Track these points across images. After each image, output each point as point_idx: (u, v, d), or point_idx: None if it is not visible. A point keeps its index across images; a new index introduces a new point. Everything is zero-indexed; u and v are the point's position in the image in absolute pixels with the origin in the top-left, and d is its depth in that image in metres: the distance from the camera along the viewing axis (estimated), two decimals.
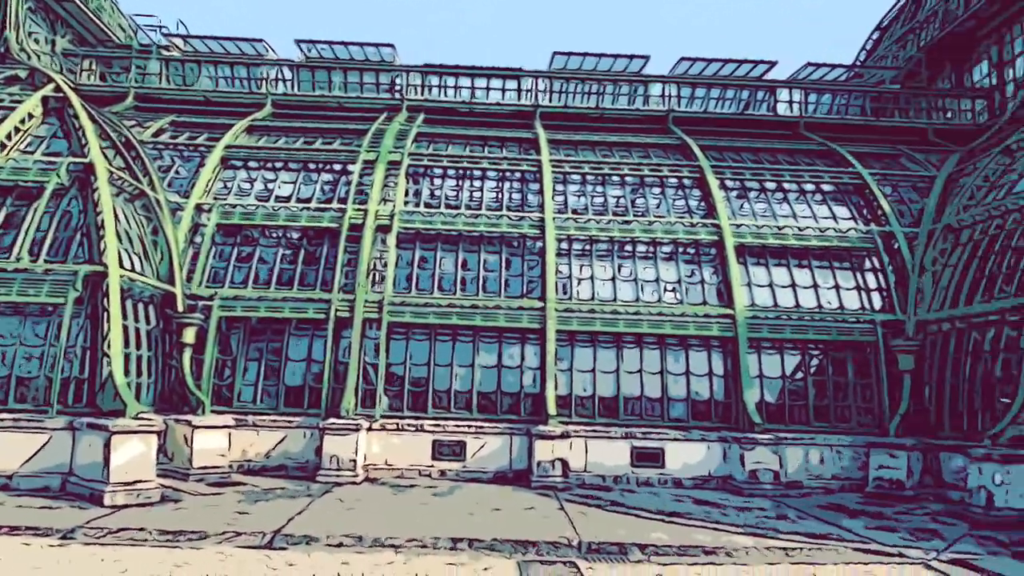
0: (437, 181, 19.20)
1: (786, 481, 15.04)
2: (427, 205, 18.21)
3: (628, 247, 17.73)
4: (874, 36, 26.90)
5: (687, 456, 15.35)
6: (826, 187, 19.15)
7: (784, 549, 9.77)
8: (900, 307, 16.75)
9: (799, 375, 16.51)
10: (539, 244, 17.47)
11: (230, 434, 14.79)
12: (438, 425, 15.65)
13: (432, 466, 15.45)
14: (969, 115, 21.44)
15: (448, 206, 18.32)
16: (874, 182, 18.85)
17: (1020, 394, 12.34)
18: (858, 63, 26.31)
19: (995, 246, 15.33)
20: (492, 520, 11.12)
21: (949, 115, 21.72)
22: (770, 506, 13.14)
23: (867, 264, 17.62)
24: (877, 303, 16.99)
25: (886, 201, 18.35)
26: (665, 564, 9.07)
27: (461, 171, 19.20)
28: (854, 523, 11.67)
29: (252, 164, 19.08)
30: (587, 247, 17.70)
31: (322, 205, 17.75)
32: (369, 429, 15.33)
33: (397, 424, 15.59)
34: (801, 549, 9.79)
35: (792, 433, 15.57)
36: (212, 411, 14.84)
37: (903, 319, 16.47)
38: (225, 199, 17.83)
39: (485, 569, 8.65)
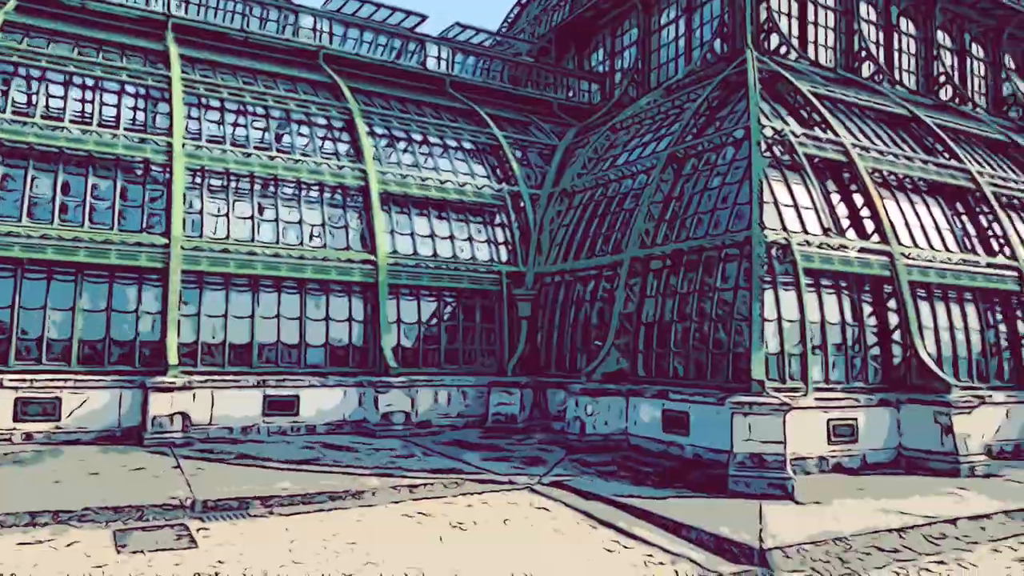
0: (35, 84, 15.42)
1: (417, 421, 15.47)
2: (17, 113, 14.52)
3: (271, 186, 16.33)
4: (515, 10, 28.70)
5: (323, 403, 14.85)
6: (467, 144, 19.90)
7: (410, 486, 9.87)
8: (523, 260, 18.24)
9: (434, 321, 17.04)
10: (166, 174, 15.13)
11: None
12: (23, 380, 12.77)
13: (14, 429, 12.57)
14: (587, 95, 24.11)
15: (48, 117, 14.85)
16: (508, 145, 20.12)
17: (609, 338, 14.25)
18: (501, 32, 27.85)
19: (599, 210, 17.47)
20: (87, 486, 9.32)
21: (572, 93, 24.17)
22: (400, 446, 13.34)
23: (497, 219, 18.81)
24: (504, 256, 18.26)
25: (516, 163, 19.73)
26: (289, 515, 8.47)
27: (67, 77, 15.67)
28: (474, 456, 12.38)
29: None
30: (224, 182, 15.84)
31: None
32: None
33: None
34: (425, 485, 9.99)
35: (425, 376, 16.04)
36: None
37: (524, 271, 17.98)
38: None
39: (70, 545, 7.12)
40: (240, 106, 17.30)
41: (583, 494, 9.71)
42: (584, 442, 13.29)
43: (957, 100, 22.21)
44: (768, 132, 13.63)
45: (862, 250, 13.04)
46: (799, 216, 13.09)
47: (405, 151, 18.56)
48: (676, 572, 6.74)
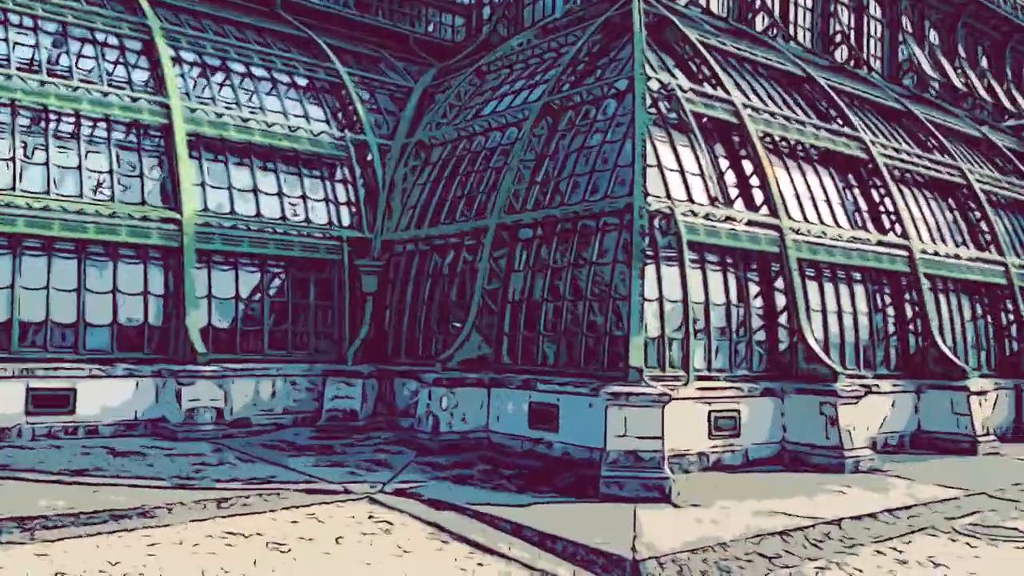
0: None
1: (231, 419, 14.73)
2: None
3: (42, 121, 14.84)
4: None
5: (108, 397, 13.78)
6: (300, 80, 19.04)
7: (218, 500, 9.33)
8: (368, 225, 17.77)
9: (256, 296, 16.27)
10: None
11: None
12: None
13: None
14: (450, 31, 23.79)
15: None
16: (352, 84, 19.46)
17: (470, 319, 14.19)
18: None
19: (461, 168, 17.29)
20: None
21: (432, 27, 23.78)
22: (209, 450, 12.64)
23: (339, 174, 18.19)
24: (346, 218, 17.70)
25: (363, 107, 19.13)
26: (56, 540, 7.74)
27: None
28: (302, 461, 11.95)
29: None
30: None
31: None
32: None
33: None
34: (238, 498, 9.49)
35: (243, 364, 15.29)
36: None
37: (370, 237, 17.54)
38: None
39: None
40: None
41: (434, 504, 9.60)
42: (438, 441, 13.18)
43: (853, 63, 23.90)
44: (654, 85, 13.97)
45: (750, 223, 13.71)
46: (685, 183, 13.55)
47: (222, 84, 17.49)
48: None
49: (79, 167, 14.88)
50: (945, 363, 15.52)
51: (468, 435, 13.50)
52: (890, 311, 16.17)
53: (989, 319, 18.44)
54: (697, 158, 13.90)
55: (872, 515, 9.62)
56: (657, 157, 13.34)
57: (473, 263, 15.01)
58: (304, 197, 17.35)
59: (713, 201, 13.61)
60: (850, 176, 17.09)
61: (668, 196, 12.95)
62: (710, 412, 12.32)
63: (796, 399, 13.05)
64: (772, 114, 15.80)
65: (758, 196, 14.39)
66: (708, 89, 14.94)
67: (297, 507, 9.30)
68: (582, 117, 14.91)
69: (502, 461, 12.42)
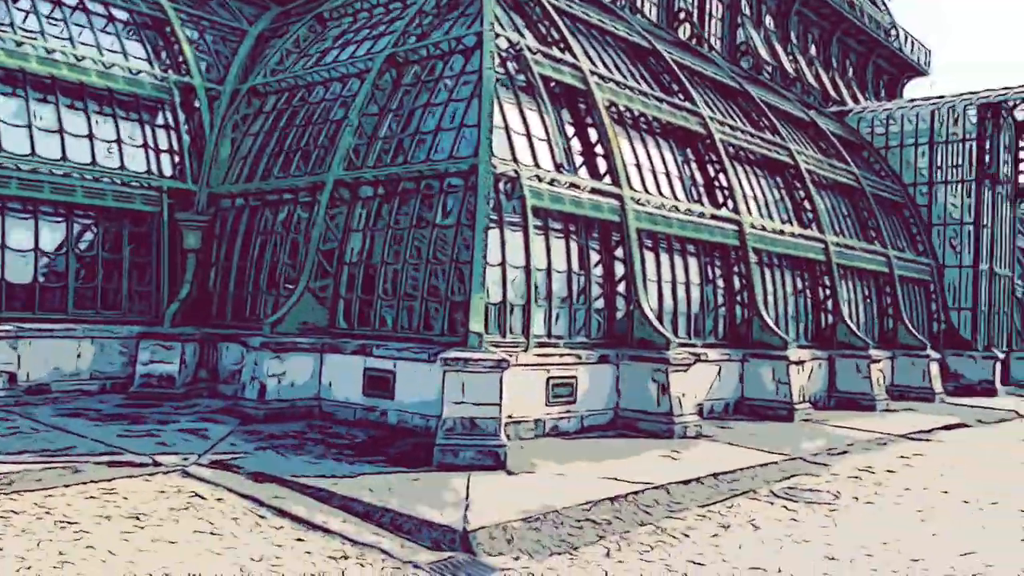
0: None
1: (28, 386, 13.34)
2: None
3: None
4: None
5: None
6: (119, 13, 17.31)
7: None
8: (193, 176, 16.51)
9: (62, 249, 14.73)
10: None
11: None
12: None
13: None
14: None
15: None
16: (178, 21, 17.92)
17: (303, 280, 13.46)
18: None
19: (298, 119, 16.36)
20: None
21: None
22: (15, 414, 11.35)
23: (160, 119, 16.75)
24: (168, 168, 16.35)
25: (190, 47, 17.68)
26: None
27: None
28: (108, 431, 10.92)
29: None
30: None
31: None
32: None
33: None
34: (27, 472, 8.50)
35: (42, 324, 13.84)
36: None
37: (195, 190, 16.30)
38: None
39: None
40: None
41: (255, 476, 8.99)
42: (264, 409, 12.45)
43: (695, 40, 24.61)
44: (503, 44, 13.67)
45: (594, 191, 13.75)
46: (531, 147, 13.38)
47: (27, 13, 15.54)
48: (362, 567, 6.40)
49: None
50: (768, 334, 16.35)
51: (298, 403, 12.86)
52: (720, 283, 16.83)
53: (808, 293, 19.63)
54: (544, 122, 13.76)
55: (699, 480, 9.91)
56: (504, 119, 13.07)
57: (308, 221, 14.25)
58: (119, 142, 15.84)
59: (559, 167, 13.53)
60: (688, 150, 17.57)
61: (514, 159, 12.74)
62: (548, 379, 12.31)
63: (631, 366, 13.30)
64: (618, 83, 15.92)
65: (602, 165, 14.46)
66: (557, 53, 14.81)
67: (96, 482, 8.43)
68: (428, 72, 14.41)
69: (334, 430, 11.90)
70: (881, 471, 11.30)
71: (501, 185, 12.26)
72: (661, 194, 15.71)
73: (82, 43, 16.14)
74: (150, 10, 17.72)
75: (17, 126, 14.51)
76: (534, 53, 14.14)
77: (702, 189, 17.26)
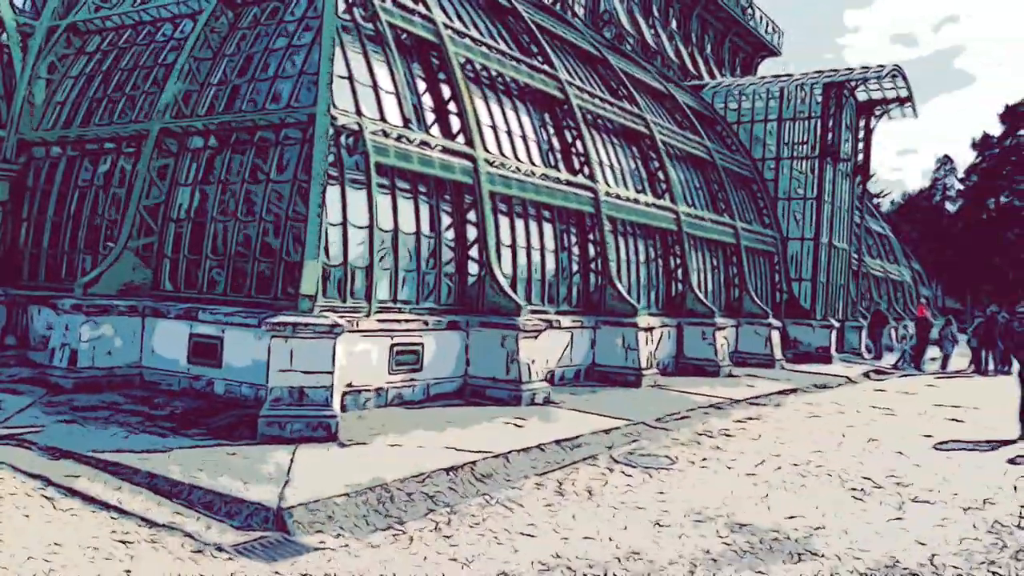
0: None
1: None
2: None
3: None
4: None
5: None
6: None
7: None
8: (2, 121, 14.80)
9: None
10: None
11: None
12: None
13: None
14: None
15: None
16: None
17: (122, 237, 12.29)
18: None
19: (124, 62, 14.93)
20: None
21: None
22: None
23: None
24: None
25: None
26: None
27: None
28: None
29: None
30: None
31: None
32: None
33: None
34: None
35: None
36: None
37: (2, 136, 14.61)
38: None
39: None
40: None
41: (50, 451, 8.05)
42: (75, 378, 11.30)
43: (558, 5, 24.33)
44: None
45: (445, 150, 13.23)
46: (378, 100, 12.68)
47: None
48: (155, 551, 5.73)
49: None
50: (620, 302, 16.43)
51: (115, 371, 11.77)
52: (575, 250, 16.75)
53: (660, 262, 19.93)
54: (392, 75, 13.06)
55: (540, 447, 9.69)
56: (348, 69, 12.30)
57: (132, 173, 13.01)
58: None
59: (407, 123, 12.89)
60: (546, 114, 17.32)
61: (359, 112, 12.02)
62: (392, 345, 11.78)
63: (480, 332, 12.96)
64: (475, 40, 15.39)
65: (455, 124, 13.95)
66: (409, 3, 14.10)
67: None
68: (268, 15, 13.39)
69: (156, 401, 10.95)
70: (719, 435, 11.49)
71: (343, 139, 11.53)
72: (517, 158, 15.38)
73: None
74: None
75: None
76: (384, 0, 13.38)
77: (559, 155, 17.06)
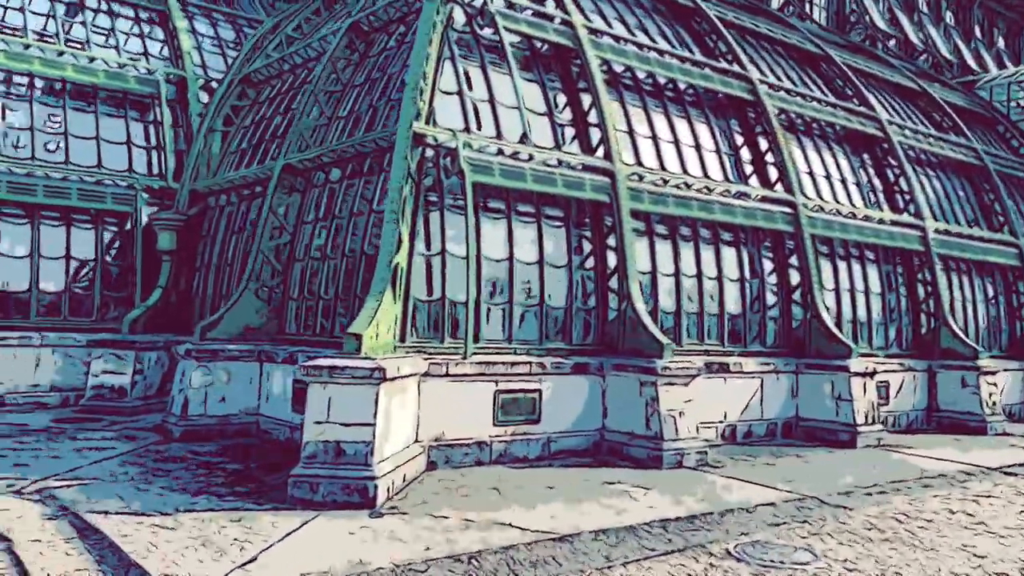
0: None
1: None
2: None
3: None
4: None
5: None
6: (123, 9, 16.72)
7: None
8: (175, 172, 15.55)
9: (21, 252, 14.02)
10: None
11: None
12: None
13: None
14: None
15: None
16: (180, 14, 17.15)
17: (244, 279, 12.00)
18: None
19: (282, 105, 15.03)
20: None
21: None
22: None
23: (149, 115, 15.92)
24: (144, 166, 15.46)
25: (189, 39, 16.83)
26: None
27: None
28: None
29: None
30: None
31: None
32: None
33: None
34: None
35: None
36: None
37: (174, 188, 15.30)
38: None
39: None
40: None
41: (64, 509, 7.45)
42: (185, 426, 11.03)
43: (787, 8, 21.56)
44: None
45: (578, 167, 11.47)
46: (494, 115, 11.28)
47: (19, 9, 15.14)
48: None
49: None
50: (830, 339, 13.35)
51: (231, 419, 11.38)
52: (771, 277, 13.98)
53: (902, 290, 16.25)
54: (515, 87, 11.59)
55: (633, 528, 7.49)
56: (459, 83, 11.10)
57: (258, 214, 12.80)
58: (97, 138, 15.10)
59: (523, 138, 11.30)
60: (733, 121, 14.83)
61: (467, 130, 10.72)
62: (497, 392, 10.12)
63: (617, 378, 10.89)
64: (617, 38, 13.45)
65: (596, 136, 12.15)
66: (540, 7, 12.63)
67: None
68: (393, 39, 12.65)
69: (255, 452, 10.29)
70: (915, 520, 8.36)
71: (442, 160, 10.26)
72: (687, 171, 13.14)
73: (77, 40, 15.60)
74: (153, 4, 17.01)
75: None
76: (510, 6, 12.05)
77: (745, 165, 14.47)
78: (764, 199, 13.86)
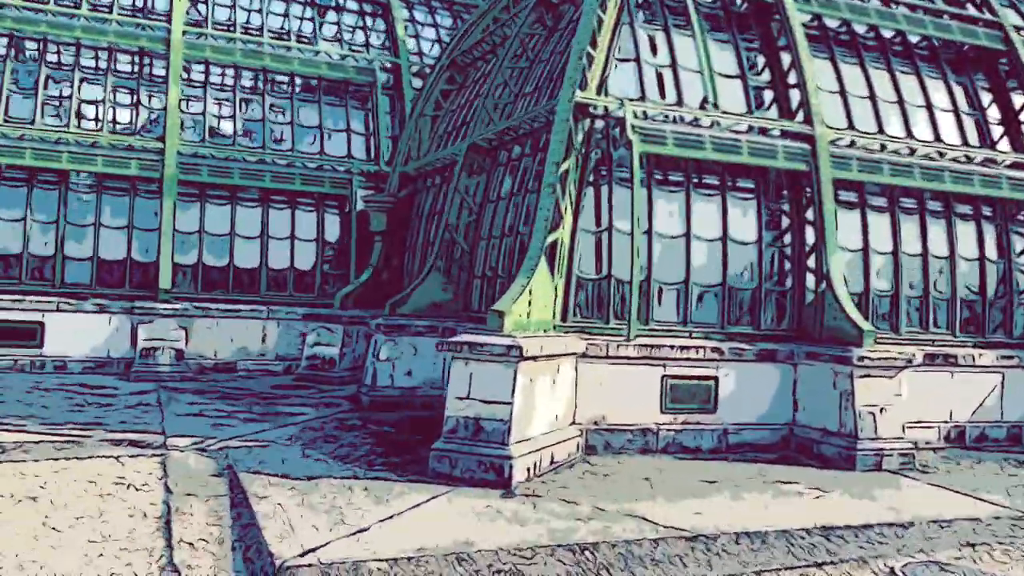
0: None
1: (215, 363, 14.18)
2: None
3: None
4: None
5: (73, 332, 13.66)
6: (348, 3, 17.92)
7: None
8: (386, 156, 16.37)
9: (251, 232, 15.49)
10: None
11: None
12: None
13: None
14: None
15: None
16: (399, 3, 17.99)
17: (430, 257, 12.36)
18: None
19: (484, 86, 15.25)
20: None
21: None
22: (128, 392, 12.04)
23: (368, 103, 16.90)
24: (361, 150, 16.42)
25: (403, 28, 17.65)
26: None
27: None
28: (195, 409, 10.96)
29: None
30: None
31: None
32: None
33: None
34: (39, 446, 8.62)
35: (216, 303, 14.61)
36: None
37: (386, 171, 16.11)
38: None
39: None
40: None
41: (228, 467, 8.09)
42: (374, 396, 11.61)
43: None
44: None
45: (767, 132, 10.49)
46: (676, 82, 10.62)
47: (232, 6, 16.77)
48: None
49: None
50: None
51: (416, 392, 11.79)
52: (994, 253, 11.95)
53: None
54: (698, 51, 10.81)
55: (784, 532, 6.70)
56: (637, 49, 10.59)
57: (446, 194, 13.10)
58: (320, 127, 16.27)
59: (704, 104, 10.48)
60: (978, 76, 12.81)
61: (643, 98, 10.20)
62: (664, 377, 9.53)
63: (809, 368, 9.84)
64: None
65: (795, 99, 11.03)
66: None
67: (81, 459, 8.21)
68: (580, 10, 12.30)
69: (427, 425, 10.57)
70: None
71: (610, 131, 9.84)
72: (887, 134, 11.58)
73: (300, 34, 16.96)
74: None
75: (223, 117, 15.60)
76: None
77: (998, 128, 12.45)
78: (1016, 165, 11.87)
